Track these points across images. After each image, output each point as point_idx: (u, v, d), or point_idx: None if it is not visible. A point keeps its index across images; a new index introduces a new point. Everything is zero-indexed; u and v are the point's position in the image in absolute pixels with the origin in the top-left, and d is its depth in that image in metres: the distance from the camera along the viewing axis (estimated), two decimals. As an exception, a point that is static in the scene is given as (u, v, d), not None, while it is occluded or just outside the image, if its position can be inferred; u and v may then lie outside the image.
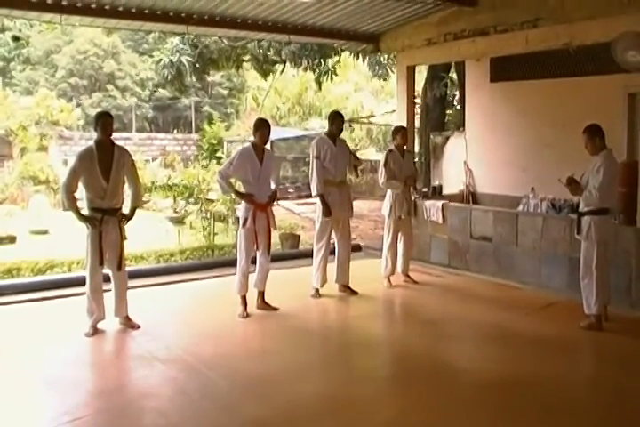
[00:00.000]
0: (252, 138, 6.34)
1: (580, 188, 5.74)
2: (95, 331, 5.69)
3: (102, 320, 5.77)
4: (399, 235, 7.45)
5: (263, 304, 6.43)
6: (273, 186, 6.37)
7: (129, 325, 5.84)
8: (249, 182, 6.22)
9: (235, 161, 6.19)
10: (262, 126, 6.24)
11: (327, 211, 6.72)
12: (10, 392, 4.53)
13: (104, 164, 5.56)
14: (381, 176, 7.30)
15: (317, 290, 7.00)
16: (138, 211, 5.97)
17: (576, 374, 4.85)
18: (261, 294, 6.45)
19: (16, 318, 6.29)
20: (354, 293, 7.04)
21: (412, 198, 7.53)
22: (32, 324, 6.06)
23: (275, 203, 6.59)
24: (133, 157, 5.96)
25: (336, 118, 6.91)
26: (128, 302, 5.90)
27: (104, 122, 5.62)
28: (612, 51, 6.07)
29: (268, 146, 7.10)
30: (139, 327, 5.81)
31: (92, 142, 5.67)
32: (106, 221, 5.60)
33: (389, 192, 7.38)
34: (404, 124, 8.29)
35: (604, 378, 4.85)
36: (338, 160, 6.83)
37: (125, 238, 5.80)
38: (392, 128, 7.92)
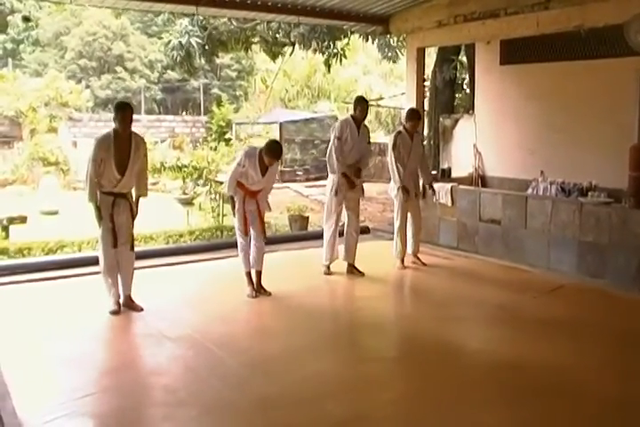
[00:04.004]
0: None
1: None
2: (119, 307, 5.72)
3: (120, 298, 5.79)
4: (408, 216, 7.45)
5: (258, 286, 6.33)
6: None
7: (131, 306, 5.80)
8: (247, 182, 6.17)
9: (243, 163, 6.07)
10: (273, 150, 6.00)
11: (350, 184, 6.77)
12: (24, 368, 4.59)
13: (120, 155, 5.52)
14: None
15: (328, 266, 7.04)
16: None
17: (584, 356, 4.85)
18: (259, 273, 6.35)
19: (27, 296, 6.33)
20: (360, 274, 7.07)
21: (420, 181, 7.51)
22: (43, 303, 6.12)
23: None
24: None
25: (360, 103, 6.94)
26: (137, 282, 5.91)
27: (123, 114, 5.53)
28: (624, 33, 6.02)
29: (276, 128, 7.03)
30: (141, 310, 5.78)
31: (110, 130, 5.59)
32: (117, 204, 5.65)
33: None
34: (414, 107, 8.25)
35: (611, 361, 4.86)
36: (354, 146, 6.85)
37: (136, 214, 5.81)
38: (404, 111, 7.88)
